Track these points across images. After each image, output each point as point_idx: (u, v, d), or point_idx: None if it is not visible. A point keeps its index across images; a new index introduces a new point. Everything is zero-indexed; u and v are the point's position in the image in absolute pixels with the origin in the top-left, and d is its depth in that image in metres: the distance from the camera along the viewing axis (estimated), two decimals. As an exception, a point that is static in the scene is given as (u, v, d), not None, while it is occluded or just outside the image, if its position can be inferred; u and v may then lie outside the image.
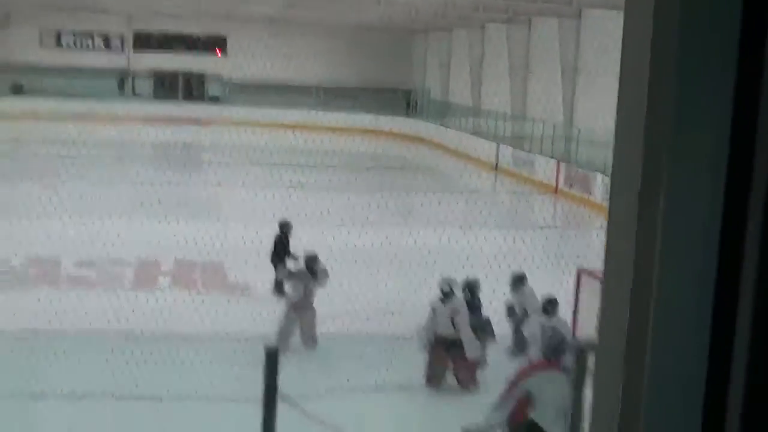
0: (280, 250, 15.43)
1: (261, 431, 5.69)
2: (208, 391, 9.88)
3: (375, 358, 11.97)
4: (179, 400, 9.09)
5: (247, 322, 13.51)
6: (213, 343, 12.39)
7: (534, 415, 7.91)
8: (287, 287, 13.53)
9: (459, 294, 12.09)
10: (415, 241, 17.74)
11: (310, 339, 12.95)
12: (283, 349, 11.47)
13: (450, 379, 11.59)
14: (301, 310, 12.97)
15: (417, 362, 11.51)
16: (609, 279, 1.29)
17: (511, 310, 13.07)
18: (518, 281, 13.24)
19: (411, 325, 12.58)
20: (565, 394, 7.72)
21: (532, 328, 11.16)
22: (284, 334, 12.64)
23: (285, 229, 15.90)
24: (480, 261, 15.12)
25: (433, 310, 11.80)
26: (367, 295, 14.86)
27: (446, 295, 11.77)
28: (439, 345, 11.60)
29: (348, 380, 10.36)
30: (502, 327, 12.66)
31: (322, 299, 14.31)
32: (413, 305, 15.37)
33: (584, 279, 12.85)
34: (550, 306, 11.57)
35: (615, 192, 1.33)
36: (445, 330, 11.61)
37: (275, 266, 15.17)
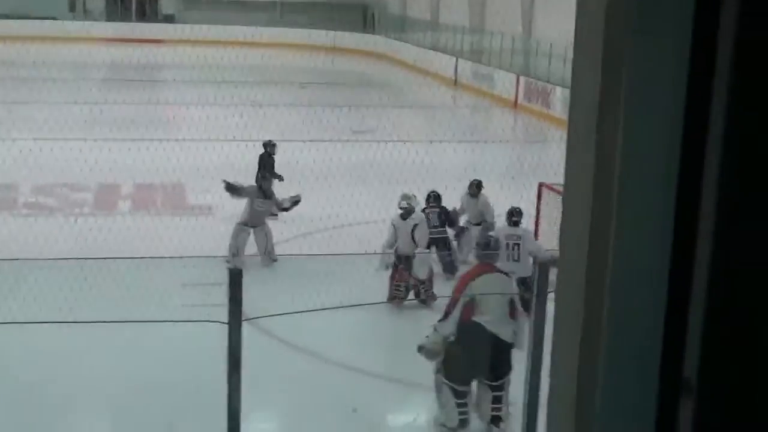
0: (265, 169, 15.19)
1: (227, 352, 5.74)
2: (172, 313, 9.90)
3: (337, 276, 12.05)
4: (143, 324, 9.11)
5: (211, 243, 13.50)
6: (176, 266, 12.37)
7: (479, 317, 8.05)
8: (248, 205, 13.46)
9: (420, 209, 12.13)
10: (375, 156, 17.72)
11: (266, 257, 13.04)
12: (235, 264, 11.92)
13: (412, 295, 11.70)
14: (254, 228, 13.02)
15: (381, 280, 11.60)
16: (570, 192, 1.29)
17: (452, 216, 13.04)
18: (476, 187, 13.34)
19: (373, 243, 12.65)
20: (506, 297, 8.08)
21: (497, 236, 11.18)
22: (232, 250, 12.79)
23: (269, 148, 15.70)
24: (441, 175, 15.15)
25: (394, 227, 11.81)
26: (328, 212, 14.88)
27: (407, 211, 11.77)
28: (400, 263, 11.66)
29: (309, 298, 10.45)
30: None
31: (283, 216, 14.31)
32: (375, 221, 15.44)
33: (545, 193, 12.95)
34: (515, 216, 11.57)
35: (575, 105, 1.33)
36: (406, 247, 11.65)
37: (260, 186, 14.84)
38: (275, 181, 14.84)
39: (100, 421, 9.09)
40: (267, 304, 9.29)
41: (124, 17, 52.47)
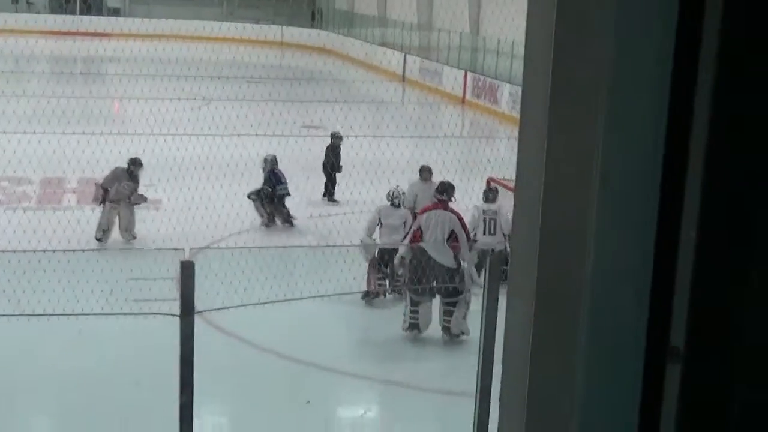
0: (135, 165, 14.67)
1: (179, 344, 5.71)
2: (122, 306, 9.83)
3: (298, 268, 12.04)
4: (93, 317, 9.02)
5: (159, 237, 13.41)
6: (125, 258, 12.27)
7: (423, 242, 10.30)
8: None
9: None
10: (323, 151, 17.70)
11: (127, 233, 13.72)
12: (104, 240, 13.31)
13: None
14: (119, 207, 13.68)
15: (353, 272, 11.51)
16: (521, 187, 1.30)
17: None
18: (428, 172, 13.57)
19: (330, 236, 12.66)
20: (446, 226, 10.33)
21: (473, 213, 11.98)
22: (99, 227, 13.55)
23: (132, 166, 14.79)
24: (390, 170, 15.20)
25: (380, 217, 11.65)
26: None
27: (399, 201, 11.73)
28: (384, 256, 11.52)
29: (262, 291, 10.42)
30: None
31: (230, 208, 14.25)
32: (328, 215, 15.45)
33: (493, 187, 13.05)
34: (491, 193, 12.32)
35: (526, 102, 1.32)
36: (390, 240, 11.52)
37: (129, 170, 14.46)
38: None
39: (47, 416, 8.98)
40: (220, 297, 9.25)
41: (69, 10, 51.69)
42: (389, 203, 11.77)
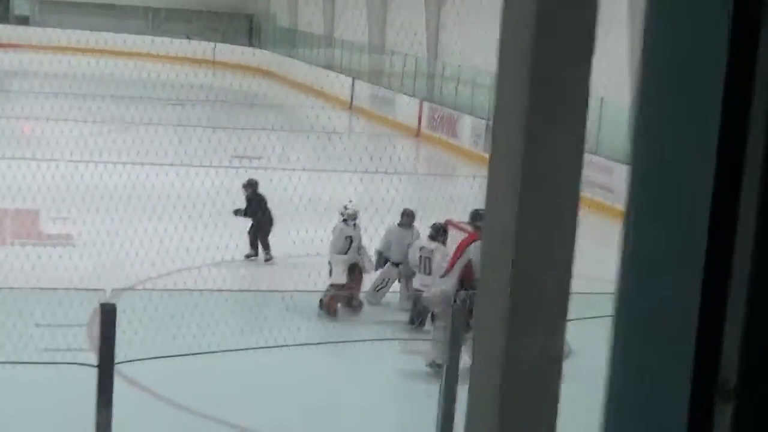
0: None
1: (96, 399, 5.71)
2: (31, 355, 9.78)
3: (225, 314, 12.06)
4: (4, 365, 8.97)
5: (68, 278, 13.33)
6: (28, 302, 12.18)
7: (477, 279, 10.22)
8: None
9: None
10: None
11: None
12: None
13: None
14: None
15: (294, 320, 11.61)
16: (490, 234, 1.39)
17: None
18: (409, 216, 14.08)
19: (263, 281, 12.68)
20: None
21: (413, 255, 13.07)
22: None
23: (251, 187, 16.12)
24: (334, 207, 15.32)
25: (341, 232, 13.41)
26: (198, 246, 14.91)
27: (351, 216, 13.59)
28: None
29: (184, 340, 10.43)
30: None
31: (156, 250, 14.24)
32: (260, 260, 15.50)
33: (452, 232, 13.23)
34: (437, 233, 12.98)
35: (497, 140, 1.39)
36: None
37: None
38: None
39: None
40: (135, 347, 9.25)
41: (-30, 16, 51.32)
42: (342, 222, 13.53)
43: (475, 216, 11.96)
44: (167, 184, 17.40)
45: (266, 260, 15.73)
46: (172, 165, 19.95)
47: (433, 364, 10.89)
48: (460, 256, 11.21)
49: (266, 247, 15.74)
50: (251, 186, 16.12)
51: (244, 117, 29.62)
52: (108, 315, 5.55)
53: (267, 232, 15.76)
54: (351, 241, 13.43)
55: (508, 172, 1.35)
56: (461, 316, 6.12)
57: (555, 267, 1.34)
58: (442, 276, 11.37)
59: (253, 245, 15.78)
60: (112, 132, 24.81)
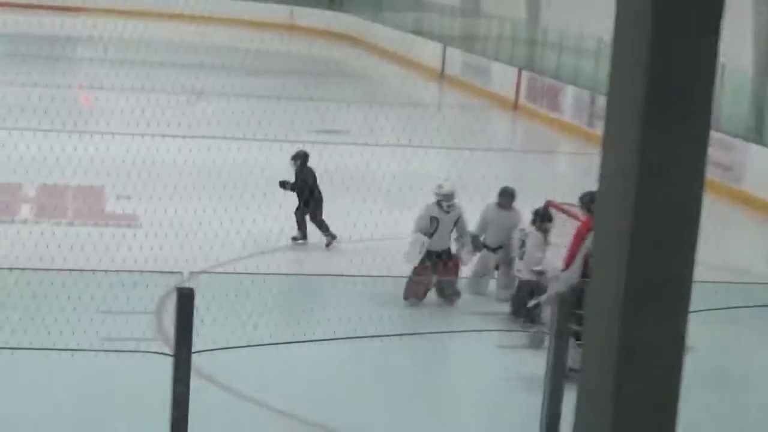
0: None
1: (171, 393, 5.76)
2: (102, 343, 10.00)
3: (315, 301, 12.16)
4: (64, 352, 9.16)
5: (134, 262, 13.53)
6: (94, 285, 12.41)
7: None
8: None
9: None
10: (344, 162, 17.85)
11: None
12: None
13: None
14: None
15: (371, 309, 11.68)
16: (603, 218, 1.40)
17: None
18: (509, 197, 14.01)
19: (351, 265, 12.73)
20: None
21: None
22: None
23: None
24: (421, 187, 15.32)
25: (431, 217, 13.22)
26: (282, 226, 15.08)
27: (446, 197, 13.23)
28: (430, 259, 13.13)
29: (267, 329, 10.55)
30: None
31: (221, 228, 14.40)
32: (351, 240, 15.62)
33: (558, 216, 13.17)
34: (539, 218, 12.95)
35: (612, 107, 1.38)
36: (442, 242, 13.27)
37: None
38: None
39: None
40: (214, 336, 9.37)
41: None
42: (436, 204, 13.36)
43: (590, 198, 11.71)
44: (241, 160, 17.58)
45: (327, 244, 15.55)
46: (245, 139, 20.13)
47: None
48: (580, 244, 11.19)
49: (323, 228, 15.55)
50: (300, 158, 15.86)
51: (325, 88, 29.80)
52: (185, 300, 5.57)
53: (318, 213, 15.57)
54: (438, 224, 13.21)
55: (622, 158, 1.34)
56: (567, 308, 6.02)
57: (675, 259, 1.34)
58: (564, 269, 11.36)
59: (301, 227, 15.60)
60: (181, 103, 25.11)
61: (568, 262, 11.24)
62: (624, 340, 1.33)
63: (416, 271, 13.16)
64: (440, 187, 13.43)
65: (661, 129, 1.30)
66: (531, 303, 12.31)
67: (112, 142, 18.53)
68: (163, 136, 19.28)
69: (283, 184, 15.71)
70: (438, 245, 13.23)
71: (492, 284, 13.71)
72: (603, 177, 1.39)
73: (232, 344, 8.08)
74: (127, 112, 20.05)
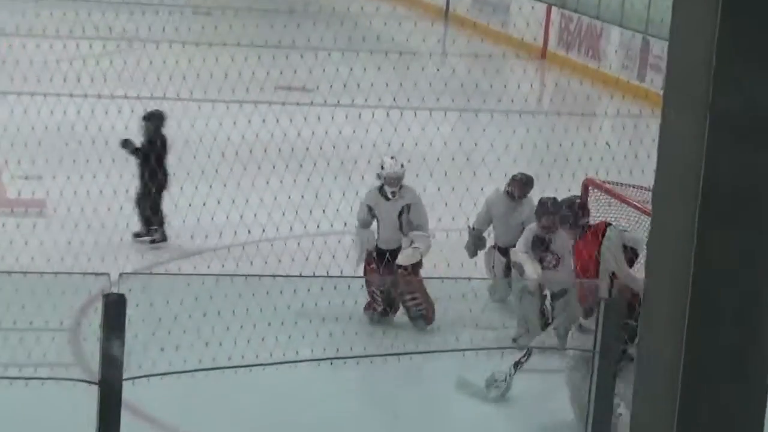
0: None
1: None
2: (5, 369, 10.02)
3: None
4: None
5: (49, 258, 13.54)
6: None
7: None
8: None
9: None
10: (312, 130, 17.77)
11: None
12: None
13: None
14: None
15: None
16: (662, 190, 1.36)
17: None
18: (524, 185, 14.00)
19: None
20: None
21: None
22: None
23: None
24: (428, 163, 15.30)
25: (368, 207, 13.31)
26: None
27: (392, 180, 13.13)
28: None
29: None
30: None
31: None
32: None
33: (592, 193, 13.20)
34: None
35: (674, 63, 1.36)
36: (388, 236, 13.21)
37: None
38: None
39: None
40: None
41: None
42: (377, 189, 13.32)
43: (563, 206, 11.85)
44: (184, 126, 17.47)
45: (152, 241, 15.31)
46: (190, 100, 20.05)
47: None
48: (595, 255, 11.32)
49: (158, 216, 15.26)
50: (154, 120, 15.76)
51: (292, 32, 29.72)
52: (114, 309, 5.53)
53: (160, 197, 15.30)
54: (376, 215, 13.22)
55: (684, 145, 1.33)
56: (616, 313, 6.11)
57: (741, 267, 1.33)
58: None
59: (145, 216, 15.37)
60: (107, 53, 25.05)
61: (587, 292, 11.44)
62: (690, 348, 1.33)
63: (365, 275, 13.14)
64: (382, 166, 13.34)
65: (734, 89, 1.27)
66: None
67: (14, 104, 18.40)
68: (85, 96, 19.20)
69: (126, 144, 15.43)
70: (383, 242, 13.15)
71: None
72: (661, 158, 1.39)
73: (171, 368, 8.09)
74: (34, 63, 19.98)
